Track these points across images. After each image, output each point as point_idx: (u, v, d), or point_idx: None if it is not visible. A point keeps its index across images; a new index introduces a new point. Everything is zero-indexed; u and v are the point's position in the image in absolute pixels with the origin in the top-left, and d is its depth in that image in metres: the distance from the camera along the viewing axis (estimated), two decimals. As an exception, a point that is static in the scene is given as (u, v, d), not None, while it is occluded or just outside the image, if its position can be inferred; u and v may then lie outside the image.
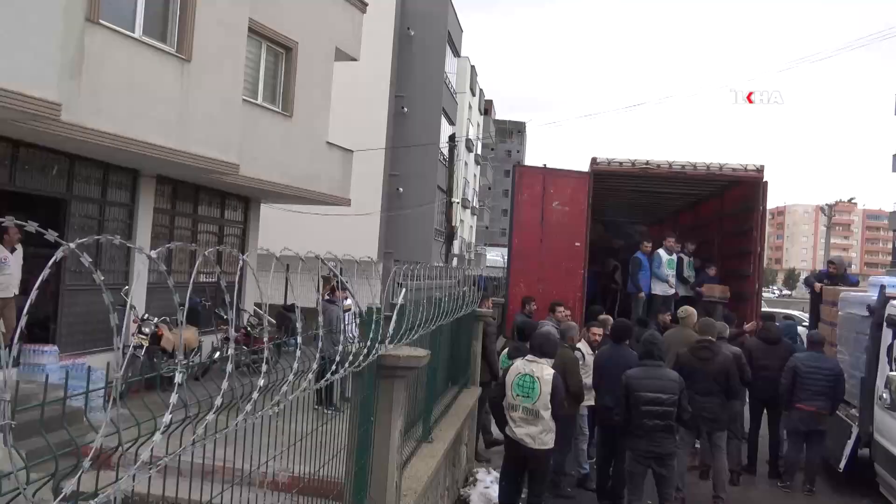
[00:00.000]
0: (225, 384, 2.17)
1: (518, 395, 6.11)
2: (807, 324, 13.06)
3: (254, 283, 15.25)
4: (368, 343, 3.31)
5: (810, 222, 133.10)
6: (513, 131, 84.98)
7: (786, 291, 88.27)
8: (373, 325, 3.31)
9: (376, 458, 3.57)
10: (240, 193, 14.24)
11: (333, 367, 2.84)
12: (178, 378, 1.79)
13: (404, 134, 30.04)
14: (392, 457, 3.64)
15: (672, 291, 12.27)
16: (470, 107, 45.72)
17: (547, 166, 12.65)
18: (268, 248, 3.45)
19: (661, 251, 12.33)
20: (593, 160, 12.01)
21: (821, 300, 11.01)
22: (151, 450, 1.75)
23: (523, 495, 6.69)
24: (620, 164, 11.95)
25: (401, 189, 30.19)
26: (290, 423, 3.15)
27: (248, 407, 2.24)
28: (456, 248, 42.25)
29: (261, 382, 2.31)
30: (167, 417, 1.80)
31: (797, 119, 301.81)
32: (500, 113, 75.51)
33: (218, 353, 11.59)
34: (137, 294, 10.75)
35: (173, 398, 1.81)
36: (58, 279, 9.28)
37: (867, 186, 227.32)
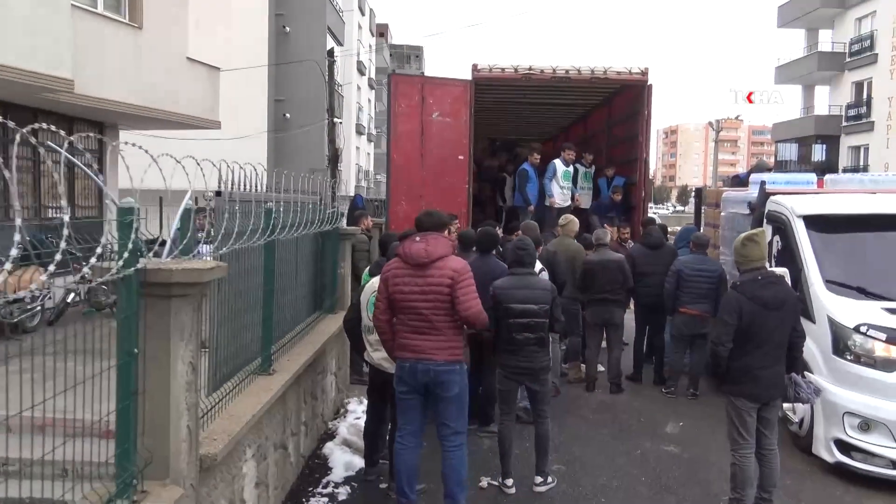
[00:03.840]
0: None
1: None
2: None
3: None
4: (118, 252, 2.53)
5: (701, 140, 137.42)
6: (410, 56, 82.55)
7: (679, 207, 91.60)
8: (119, 229, 2.50)
9: (150, 398, 2.83)
10: (90, 118, 12.79)
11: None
12: None
13: (288, 56, 28.22)
14: (176, 395, 2.91)
15: (567, 203, 11.93)
16: (360, 27, 43.72)
17: (425, 74, 11.81)
18: (131, 177, 2.93)
19: (557, 161, 11.92)
20: (474, 67, 11.27)
21: (703, 203, 10.86)
22: None
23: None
24: (503, 69, 11.29)
25: (288, 115, 28.57)
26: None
27: None
28: (353, 177, 41.05)
29: None
30: None
31: (687, 36, 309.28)
32: (398, 38, 73.20)
33: (73, 296, 10.55)
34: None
35: None
36: None
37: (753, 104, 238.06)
